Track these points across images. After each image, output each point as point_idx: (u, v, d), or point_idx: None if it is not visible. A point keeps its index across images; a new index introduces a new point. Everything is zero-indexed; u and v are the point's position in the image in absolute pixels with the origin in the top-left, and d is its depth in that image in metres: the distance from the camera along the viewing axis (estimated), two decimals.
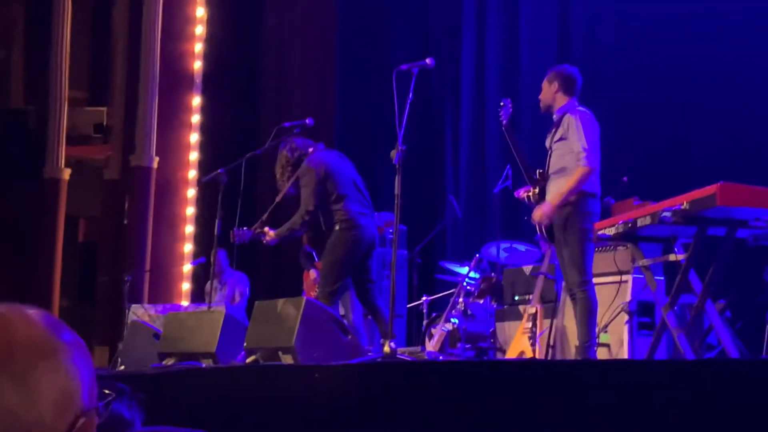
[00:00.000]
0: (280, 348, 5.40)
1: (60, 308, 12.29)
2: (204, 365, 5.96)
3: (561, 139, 6.01)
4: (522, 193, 6.35)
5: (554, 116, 6.18)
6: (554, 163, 6.08)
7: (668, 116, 9.85)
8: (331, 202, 6.94)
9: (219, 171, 7.30)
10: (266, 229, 7.21)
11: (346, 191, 6.97)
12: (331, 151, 7.33)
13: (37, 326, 1.28)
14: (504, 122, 6.48)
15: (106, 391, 1.34)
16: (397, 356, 5.16)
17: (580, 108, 6.09)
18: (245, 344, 5.75)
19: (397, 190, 5.80)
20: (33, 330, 1.27)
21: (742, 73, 9.55)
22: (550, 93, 6.20)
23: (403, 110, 5.75)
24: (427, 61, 5.99)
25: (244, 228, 7.33)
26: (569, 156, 5.95)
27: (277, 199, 7.06)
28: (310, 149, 7.14)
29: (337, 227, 6.91)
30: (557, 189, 5.99)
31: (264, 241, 7.24)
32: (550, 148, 6.15)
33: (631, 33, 10.35)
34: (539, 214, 6.00)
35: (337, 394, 4.63)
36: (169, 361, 6.23)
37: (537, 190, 6.18)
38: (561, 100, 6.15)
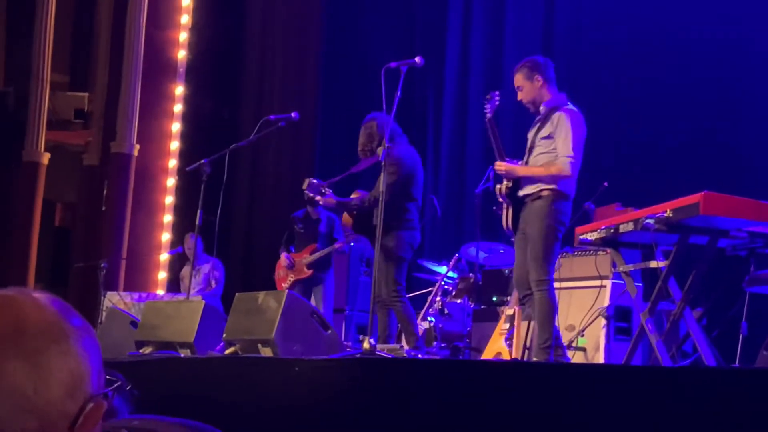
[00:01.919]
0: (260, 340, 5.39)
1: None
2: (182, 355, 5.95)
3: (548, 136, 5.87)
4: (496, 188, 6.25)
5: (541, 109, 6.01)
6: (535, 159, 5.95)
7: (650, 121, 9.91)
8: (403, 199, 6.86)
9: (203, 161, 7.28)
10: (328, 191, 7.06)
11: (417, 196, 6.92)
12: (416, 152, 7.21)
13: (47, 310, 1.28)
14: (488, 115, 6.26)
15: (109, 378, 1.35)
16: (376, 352, 5.17)
17: (570, 106, 5.95)
18: (224, 335, 5.74)
19: (382, 187, 5.81)
20: (44, 313, 1.28)
21: (729, 80, 9.62)
22: (536, 89, 6.00)
23: (390, 108, 5.75)
24: (417, 59, 5.96)
25: (316, 180, 7.13)
26: (551, 155, 5.84)
27: (354, 168, 6.88)
28: (398, 137, 6.94)
29: (397, 225, 6.76)
30: (534, 182, 5.89)
31: (319, 201, 7.12)
32: (533, 142, 6.01)
33: (615, 38, 10.40)
34: (505, 166, 5.94)
35: (317, 388, 4.64)
36: (147, 350, 6.21)
37: (510, 184, 6.08)
38: (546, 93, 5.99)
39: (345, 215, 7.32)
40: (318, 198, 7.03)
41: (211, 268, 10.24)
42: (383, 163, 5.78)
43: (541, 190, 5.85)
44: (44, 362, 1.24)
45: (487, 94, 6.37)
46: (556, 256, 5.90)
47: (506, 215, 6.10)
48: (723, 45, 9.69)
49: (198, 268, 10.16)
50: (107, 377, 1.37)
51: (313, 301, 8.69)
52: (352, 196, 7.02)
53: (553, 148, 5.84)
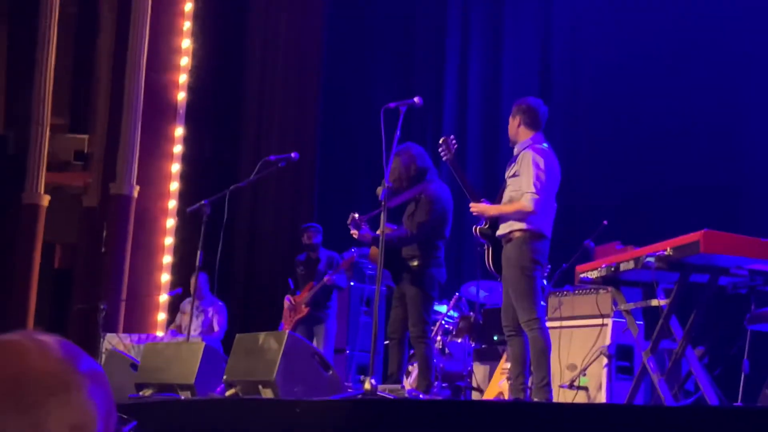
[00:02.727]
0: (261, 381, 5.37)
1: None
2: (182, 397, 5.93)
3: (515, 174, 5.98)
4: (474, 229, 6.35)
5: (515, 149, 6.11)
6: (506, 197, 6.06)
7: (650, 159, 9.95)
8: (434, 237, 6.82)
9: (203, 202, 7.28)
10: (365, 226, 6.86)
11: (447, 234, 6.88)
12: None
13: (52, 358, 1.27)
14: (446, 157, 6.35)
15: (125, 417, 1.35)
16: (378, 393, 5.15)
17: (542, 145, 6.01)
18: (225, 377, 5.72)
19: (381, 227, 5.82)
20: (48, 362, 1.26)
21: (729, 118, 9.67)
22: (514, 127, 6.13)
23: (390, 147, 5.77)
24: (416, 99, 5.98)
25: (358, 215, 6.94)
26: (519, 193, 5.93)
27: (391, 203, 6.67)
28: (430, 173, 6.93)
29: (426, 263, 6.72)
30: (506, 224, 5.97)
31: (354, 235, 6.94)
32: (506, 181, 6.13)
33: (613, 75, 10.47)
34: (482, 207, 6.07)
35: (318, 429, 4.62)
36: (147, 392, 6.19)
37: (487, 226, 6.18)
38: (524, 134, 6.07)
39: (374, 249, 7.25)
40: (354, 232, 6.94)
41: (215, 312, 10.19)
42: (383, 202, 5.78)
43: (512, 231, 5.94)
44: (41, 416, 1.22)
45: (441, 138, 6.46)
46: (540, 294, 5.96)
47: (487, 255, 6.21)
48: (723, 82, 9.75)
49: (202, 308, 10.12)
50: (122, 416, 1.36)
51: (315, 341, 8.70)
52: (377, 232, 6.93)
53: (520, 187, 5.93)
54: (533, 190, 5.81)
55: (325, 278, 8.84)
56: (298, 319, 8.89)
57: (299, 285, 9.14)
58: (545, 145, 6.03)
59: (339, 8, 12.26)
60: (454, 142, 6.40)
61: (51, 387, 1.24)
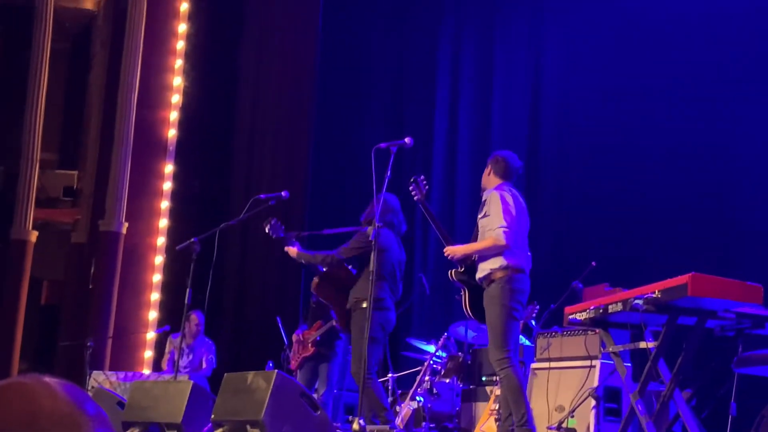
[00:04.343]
0: (249, 421, 5.35)
1: (18, 371, 12.10)
2: None
3: (485, 215, 6.18)
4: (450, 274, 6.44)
5: (484, 196, 6.33)
6: (480, 238, 6.21)
7: (639, 202, 10.00)
8: (369, 277, 6.81)
9: (192, 240, 7.27)
10: (295, 242, 7.10)
11: (385, 274, 6.85)
12: (394, 235, 7.07)
13: (62, 399, 1.31)
14: (417, 197, 6.62)
15: None
16: None
17: (507, 186, 6.26)
18: (213, 416, 5.69)
19: (372, 266, 5.84)
20: (58, 402, 1.30)
21: (716, 162, 9.74)
22: (485, 176, 6.43)
23: (380, 187, 5.81)
24: (406, 140, 6.07)
25: (283, 227, 7.16)
26: (490, 232, 6.09)
27: (326, 230, 6.69)
28: (384, 220, 6.85)
29: (364, 305, 6.64)
30: (485, 264, 6.08)
31: (286, 248, 7.20)
32: (478, 225, 6.31)
33: (602, 119, 10.55)
34: (452, 249, 6.23)
35: None
36: (134, 431, 6.15)
37: (462, 270, 6.27)
38: (492, 182, 6.34)
39: (314, 281, 7.38)
40: (286, 248, 7.10)
41: (205, 351, 10.16)
42: (373, 242, 5.82)
43: (492, 272, 6.02)
44: None
45: (411, 178, 6.61)
46: (516, 334, 6.05)
47: (464, 300, 6.28)
48: (711, 126, 9.84)
49: (192, 347, 10.08)
50: None
51: (318, 380, 8.62)
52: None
53: (491, 226, 6.11)
54: (504, 224, 6.00)
55: (334, 321, 8.79)
56: (305, 356, 8.78)
57: (309, 318, 9.05)
58: (507, 186, 6.27)
59: (332, 46, 12.34)
60: (424, 182, 6.60)
61: (62, 426, 1.28)
